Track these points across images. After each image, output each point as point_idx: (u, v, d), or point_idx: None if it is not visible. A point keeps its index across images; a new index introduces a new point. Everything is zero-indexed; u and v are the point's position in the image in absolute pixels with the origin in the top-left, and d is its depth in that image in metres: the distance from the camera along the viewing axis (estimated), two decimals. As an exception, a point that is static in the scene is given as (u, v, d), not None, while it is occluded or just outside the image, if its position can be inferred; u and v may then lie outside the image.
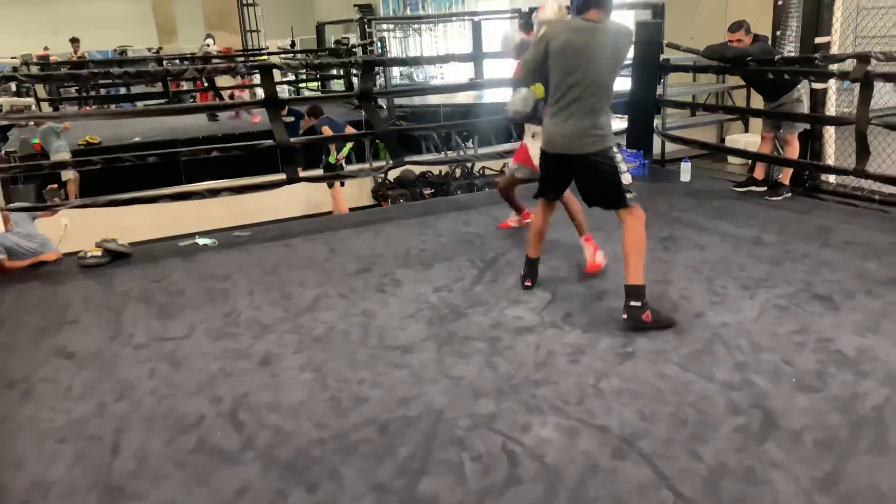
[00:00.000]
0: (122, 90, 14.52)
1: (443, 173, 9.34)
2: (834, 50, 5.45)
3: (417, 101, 11.98)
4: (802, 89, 5.42)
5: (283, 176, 5.42)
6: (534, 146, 4.33)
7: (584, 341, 3.20)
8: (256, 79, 11.55)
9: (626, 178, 3.35)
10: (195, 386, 2.98)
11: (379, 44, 13.02)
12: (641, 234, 3.32)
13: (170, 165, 8.56)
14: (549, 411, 2.64)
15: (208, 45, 13.25)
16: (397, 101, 11.26)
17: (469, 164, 9.08)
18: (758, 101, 6.17)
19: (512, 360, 3.06)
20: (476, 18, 10.84)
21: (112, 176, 7.47)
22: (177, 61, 14.73)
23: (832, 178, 5.68)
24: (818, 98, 5.55)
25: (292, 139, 5.70)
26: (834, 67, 5.17)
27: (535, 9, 4.27)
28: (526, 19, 4.71)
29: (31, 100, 12.28)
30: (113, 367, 3.19)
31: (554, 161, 3.50)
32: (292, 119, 8.52)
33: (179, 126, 10.84)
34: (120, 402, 2.88)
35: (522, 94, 4.00)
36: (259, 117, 11.21)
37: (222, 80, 12.55)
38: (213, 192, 5.46)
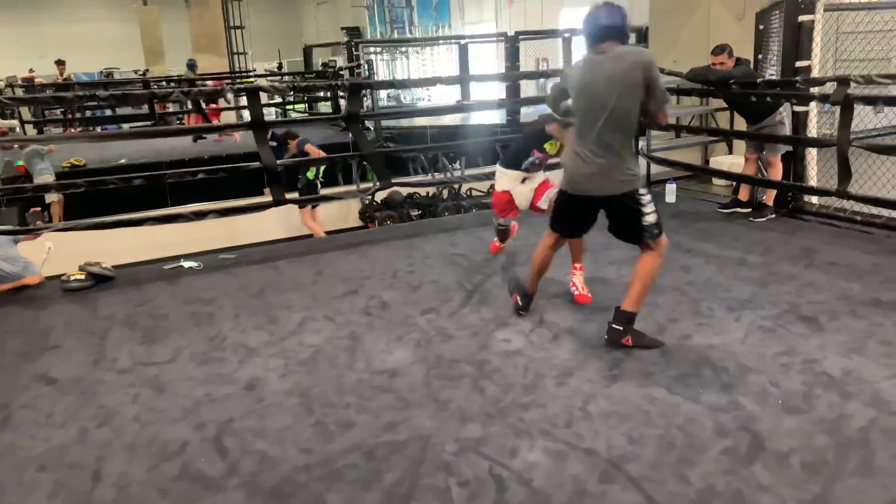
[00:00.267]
0: (108, 112, 14.49)
1: (430, 195, 9.34)
2: (814, 73, 5.54)
3: (405, 123, 12.03)
4: (784, 112, 5.50)
5: (268, 198, 5.41)
6: (520, 188, 4.44)
7: (571, 364, 3.19)
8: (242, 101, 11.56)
9: (651, 218, 3.20)
10: (179, 411, 2.94)
11: (366, 66, 13.09)
12: (655, 266, 3.24)
13: (155, 188, 8.51)
14: (536, 435, 2.63)
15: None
16: (384, 122, 11.31)
17: (456, 186, 9.09)
18: (741, 124, 6.25)
19: (500, 384, 3.04)
20: (463, 42, 10.91)
21: (97, 198, 7.42)
22: (164, 83, 14.75)
23: (815, 199, 5.74)
24: (800, 120, 5.62)
25: (279, 161, 5.69)
26: (815, 90, 5.25)
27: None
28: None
29: (15, 122, 12.22)
30: (95, 393, 3.15)
31: (577, 202, 3.34)
32: (274, 144, 8.34)
33: (165, 148, 10.81)
34: (102, 429, 2.83)
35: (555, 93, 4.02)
36: (239, 135, 11.18)
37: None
38: (199, 215, 5.43)
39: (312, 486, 2.40)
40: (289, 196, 5.69)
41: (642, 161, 6.75)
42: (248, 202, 5.89)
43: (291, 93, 14.53)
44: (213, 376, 3.26)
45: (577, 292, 3.98)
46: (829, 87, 5.09)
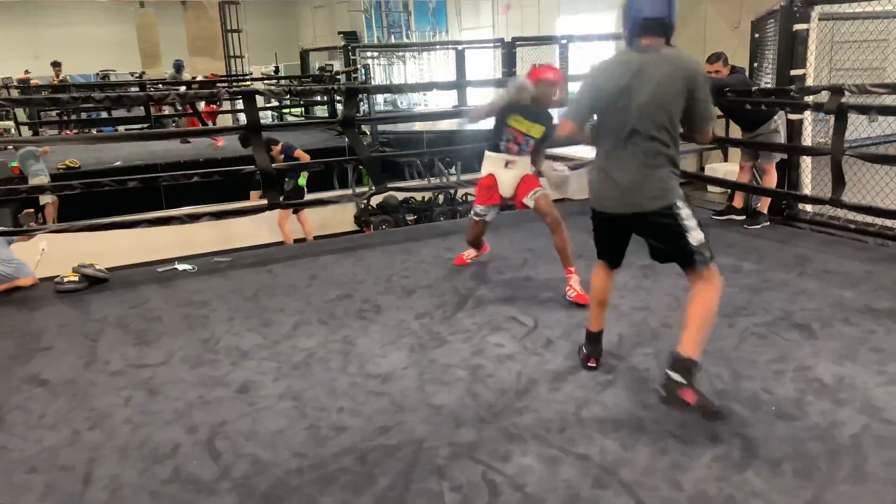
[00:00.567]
0: (104, 114, 14.47)
1: (425, 200, 9.36)
2: (809, 82, 5.57)
3: (401, 127, 12.06)
4: (779, 120, 5.53)
5: (263, 201, 5.41)
6: (506, 174, 4.38)
7: (565, 369, 3.19)
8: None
9: (696, 237, 2.72)
10: (171, 414, 2.93)
11: (363, 71, 13.11)
12: (713, 300, 2.72)
13: (150, 190, 8.50)
14: (530, 440, 2.63)
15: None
16: (381, 127, 11.32)
17: (452, 191, 9.11)
18: (736, 131, 6.28)
19: (493, 388, 3.04)
20: (460, 47, 10.95)
21: (91, 200, 7.42)
22: (160, 86, 14.74)
23: (809, 208, 5.77)
24: (794, 129, 5.65)
25: (274, 165, 5.69)
26: (809, 99, 5.28)
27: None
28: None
29: (10, 123, 12.19)
30: (87, 395, 3.13)
31: (608, 222, 2.92)
32: (282, 157, 8.17)
33: (160, 151, 10.80)
34: (93, 431, 2.82)
35: (519, 83, 4.11)
36: (222, 141, 11.14)
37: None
38: (193, 218, 5.43)
39: (305, 489, 2.39)
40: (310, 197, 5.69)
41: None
42: (243, 205, 5.88)
43: (288, 97, 14.54)
44: (206, 379, 3.25)
45: (571, 295, 4.01)
46: (824, 96, 5.12)
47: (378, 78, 15.41)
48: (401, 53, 16.82)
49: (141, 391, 3.15)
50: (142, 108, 12.65)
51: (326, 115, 13.83)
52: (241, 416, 2.89)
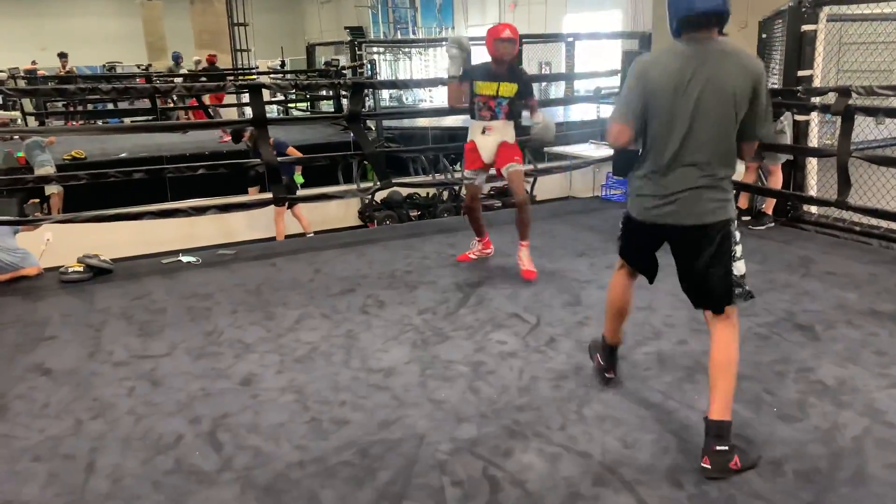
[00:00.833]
0: (110, 106, 14.48)
1: (430, 196, 9.36)
2: (816, 83, 5.56)
3: (406, 123, 12.04)
4: (785, 121, 5.52)
5: (266, 195, 5.42)
6: (483, 140, 4.45)
7: (567, 367, 3.19)
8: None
9: (740, 267, 2.47)
10: (174, 405, 2.94)
11: (369, 66, 13.10)
12: (736, 344, 2.49)
13: (155, 182, 8.52)
14: (531, 437, 2.63)
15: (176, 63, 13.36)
16: (386, 123, 11.31)
17: (456, 187, 9.11)
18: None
19: (495, 385, 3.04)
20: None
21: (97, 191, 7.42)
22: (167, 78, 14.73)
23: (814, 209, 5.76)
24: (801, 130, 5.64)
25: (280, 159, 5.70)
26: (816, 100, 5.27)
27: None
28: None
29: (16, 113, 12.20)
30: (90, 385, 3.15)
31: (649, 231, 2.57)
32: (245, 148, 7.82)
33: (166, 143, 10.81)
34: (96, 421, 2.83)
35: (544, 123, 4.33)
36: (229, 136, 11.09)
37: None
38: (199, 210, 5.44)
39: (306, 482, 2.40)
40: (305, 192, 5.72)
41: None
42: (249, 199, 5.89)
43: (294, 91, 14.53)
44: (209, 371, 3.26)
45: (523, 267, 4.34)
46: (831, 98, 5.11)
47: (384, 73, 15.40)
48: (407, 49, 16.81)
49: (144, 382, 3.16)
50: (147, 100, 12.65)
51: (332, 109, 13.83)
52: (244, 409, 2.90)
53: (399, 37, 19.85)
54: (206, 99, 12.39)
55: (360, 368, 3.25)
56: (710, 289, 2.48)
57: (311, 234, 7.52)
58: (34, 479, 2.45)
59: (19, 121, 12.06)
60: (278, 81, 11.04)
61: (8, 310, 4.16)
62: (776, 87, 5.91)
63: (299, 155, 7.28)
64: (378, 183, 5.93)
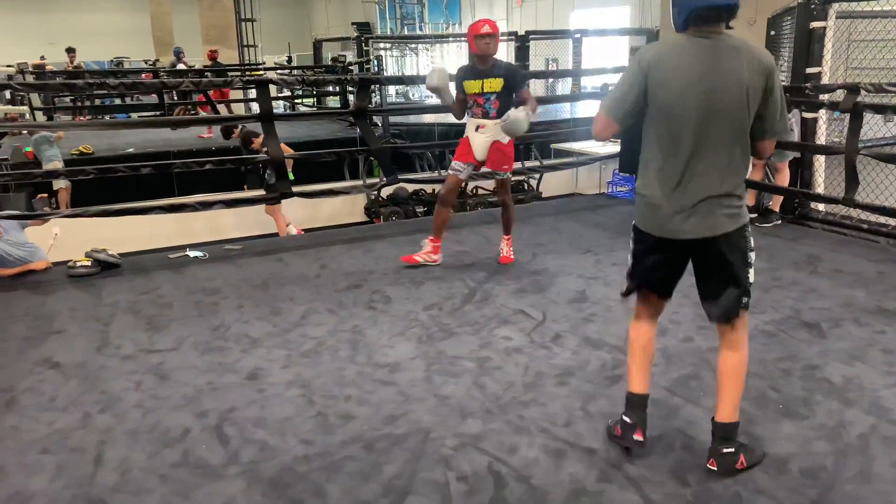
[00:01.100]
0: (117, 101, 14.53)
1: (435, 192, 9.35)
2: (825, 80, 5.53)
3: (412, 119, 12.05)
4: (793, 118, 5.49)
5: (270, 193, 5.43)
6: (476, 138, 4.46)
7: (572, 363, 3.20)
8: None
9: (752, 274, 2.39)
10: (181, 399, 2.96)
11: (375, 62, 13.11)
12: (745, 353, 2.44)
13: (162, 177, 8.55)
14: (536, 432, 2.64)
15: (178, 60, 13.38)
16: (392, 119, 11.32)
17: (462, 184, 9.12)
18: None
19: (500, 381, 3.05)
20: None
21: (104, 186, 7.46)
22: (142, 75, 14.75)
23: (821, 207, 5.74)
24: (808, 127, 5.62)
25: (287, 155, 5.71)
26: (824, 97, 5.25)
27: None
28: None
29: (25, 108, 12.26)
30: (98, 379, 3.17)
31: (663, 247, 2.39)
32: (265, 149, 7.73)
33: (174, 138, 10.84)
34: (104, 414, 2.85)
35: (438, 69, 4.35)
36: (212, 132, 11.06)
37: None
38: (206, 205, 5.46)
39: (312, 476, 2.41)
40: (304, 188, 5.73)
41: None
42: (255, 194, 5.91)
43: (300, 87, 14.55)
44: (216, 365, 3.27)
45: (502, 254, 4.65)
46: (839, 95, 5.09)
47: (390, 69, 15.41)
48: (413, 45, 16.81)
49: (151, 376, 3.18)
50: (154, 95, 12.69)
51: (338, 105, 13.85)
52: (250, 403, 2.91)
53: (406, 33, 19.84)
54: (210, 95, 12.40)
55: (365, 363, 3.26)
56: (721, 298, 2.36)
57: (295, 231, 7.42)
58: (42, 472, 2.47)
59: (27, 115, 12.12)
60: (285, 77, 11.07)
61: (16, 303, 4.19)
62: (784, 83, 5.89)
63: (291, 152, 7.21)
64: (384, 179, 5.94)
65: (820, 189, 5.77)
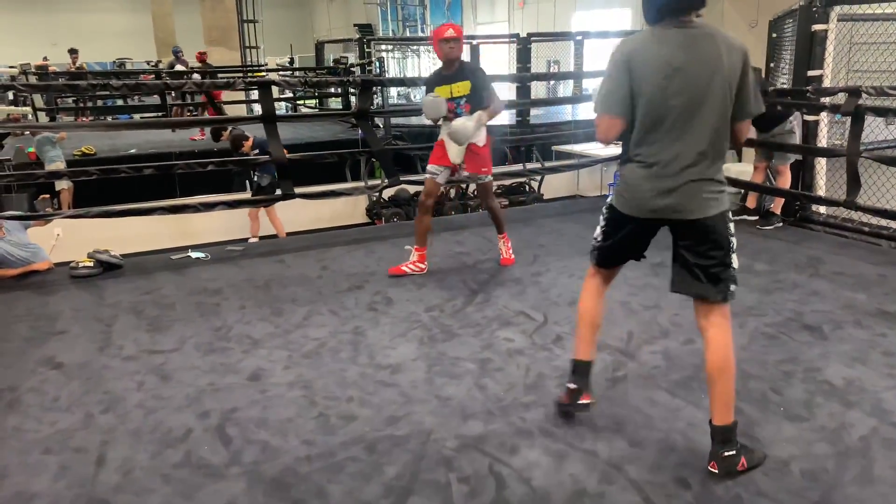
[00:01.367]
0: (119, 102, 14.55)
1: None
2: (826, 83, 5.54)
3: (414, 121, 12.04)
4: (795, 121, 5.50)
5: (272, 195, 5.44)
6: (451, 143, 4.39)
7: (574, 365, 3.20)
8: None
9: (735, 260, 2.38)
10: (183, 400, 2.97)
11: (377, 64, 13.12)
12: (731, 351, 2.41)
13: (164, 178, 8.56)
14: (537, 434, 2.64)
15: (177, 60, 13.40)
16: (394, 120, 11.33)
17: (463, 185, 9.12)
18: (751, 132, 6.25)
19: (502, 382, 3.05)
20: (474, 42, 10.93)
21: (107, 187, 7.47)
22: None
23: (823, 209, 5.74)
24: (810, 130, 5.62)
25: (263, 158, 5.70)
26: (826, 100, 5.25)
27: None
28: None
29: (28, 109, 12.29)
30: (101, 379, 3.17)
31: (638, 227, 2.46)
32: (256, 151, 7.11)
33: (176, 139, 10.86)
34: (107, 415, 2.86)
35: (430, 99, 4.28)
36: (204, 134, 11.01)
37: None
38: (208, 206, 5.46)
39: (313, 477, 2.42)
40: (305, 190, 5.74)
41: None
42: (260, 196, 5.92)
43: (302, 88, 14.56)
44: (218, 366, 3.28)
45: (502, 256, 4.69)
46: (841, 98, 5.09)
47: (392, 71, 15.41)
48: (415, 47, 16.79)
49: (153, 376, 3.19)
50: (157, 96, 12.71)
51: (340, 107, 13.86)
52: (252, 404, 2.92)
53: (408, 34, 19.85)
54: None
55: (367, 364, 3.26)
56: (709, 278, 2.36)
57: (256, 239, 7.34)
58: (45, 472, 2.48)
59: (30, 116, 12.15)
60: (287, 79, 11.08)
61: (19, 304, 4.19)
62: (786, 86, 5.89)
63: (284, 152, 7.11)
64: (386, 180, 5.95)
65: (821, 192, 5.77)
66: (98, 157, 9.76)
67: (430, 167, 4.52)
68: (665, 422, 2.71)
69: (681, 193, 2.31)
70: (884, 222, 5.07)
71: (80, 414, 2.87)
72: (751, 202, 5.86)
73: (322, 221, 8.23)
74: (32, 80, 13.36)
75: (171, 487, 2.38)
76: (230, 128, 7.86)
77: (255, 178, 7.37)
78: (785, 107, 5.43)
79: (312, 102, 15.43)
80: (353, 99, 11.31)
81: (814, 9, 5.44)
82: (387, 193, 8.86)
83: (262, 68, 15.97)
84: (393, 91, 14.33)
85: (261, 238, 7.36)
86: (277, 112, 7.06)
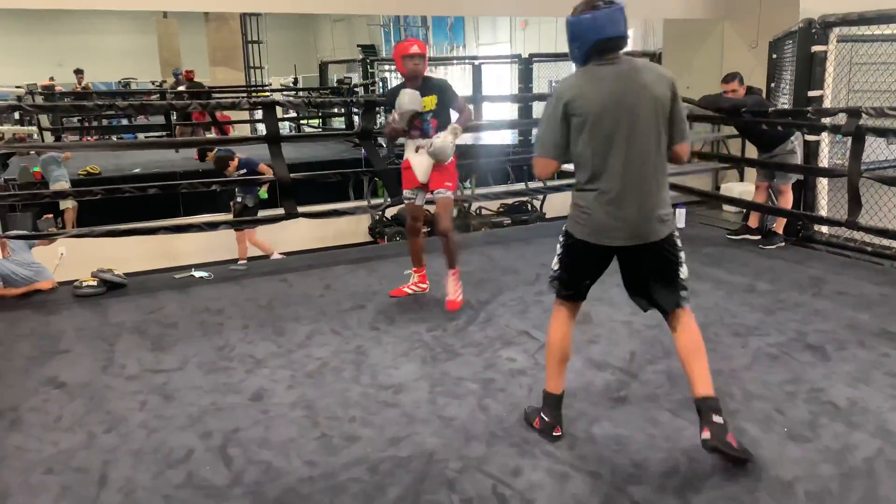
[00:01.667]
0: (124, 121, 14.65)
1: (440, 212, 9.39)
2: (827, 104, 5.57)
3: (417, 140, 12.10)
4: (796, 141, 5.53)
5: (279, 211, 5.46)
6: (417, 159, 4.29)
7: (576, 385, 3.19)
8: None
9: (685, 271, 2.63)
10: (185, 419, 2.97)
11: (381, 83, 13.22)
12: (699, 334, 2.64)
13: (168, 197, 8.59)
14: (540, 455, 2.63)
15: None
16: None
17: (466, 205, 9.15)
18: (753, 151, 6.27)
19: (504, 403, 3.05)
20: (476, 62, 11.04)
21: (111, 206, 7.49)
22: (184, 95, 14.87)
23: (825, 229, 5.74)
24: (811, 150, 5.65)
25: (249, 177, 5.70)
26: (826, 121, 5.28)
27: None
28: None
29: (33, 129, 12.37)
30: (103, 399, 3.18)
31: (597, 254, 2.60)
32: (244, 171, 6.83)
33: (179, 159, 10.91)
34: (109, 434, 2.85)
35: (409, 92, 4.12)
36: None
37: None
38: (212, 226, 5.49)
39: (315, 497, 2.41)
40: (309, 209, 5.76)
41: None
42: (262, 215, 5.94)
43: (306, 108, 14.66)
44: (220, 386, 3.28)
45: (448, 297, 4.25)
46: (841, 118, 5.12)
47: (395, 91, 15.47)
48: (418, 67, 16.90)
49: (156, 396, 3.19)
50: (162, 116, 12.79)
51: (344, 126, 13.94)
52: (254, 424, 2.91)
53: (410, 55, 19.97)
54: (193, 117, 12.46)
55: (369, 384, 3.26)
56: (662, 294, 2.61)
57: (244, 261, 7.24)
58: (47, 492, 2.47)
59: (35, 135, 12.22)
60: (291, 99, 11.15)
61: (22, 323, 4.20)
62: (787, 107, 5.93)
63: (270, 173, 6.94)
64: (388, 199, 5.98)
65: (823, 211, 5.78)
66: (102, 177, 9.81)
67: (405, 193, 4.40)
68: (668, 441, 2.70)
69: (637, 221, 2.50)
70: (886, 242, 5.07)
71: (82, 434, 2.86)
72: (753, 222, 5.88)
73: (325, 240, 8.23)
74: (39, 100, 13.46)
75: (172, 508, 2.37)
76: (216, 148, 7.69)
77: (240, 199, 7.16)
78: (786, 127, 5.46)
79: (316, 122, 15.52)
80: (356, 118, 11.40)
81: (813, 30, 5.49)
82: (390, 212, 8.88)
83: (266, 88, 16.08)
84: (396, 111, 14.42)
85: (249, 259, 7.22)
86: (281, 132, 7.06)
